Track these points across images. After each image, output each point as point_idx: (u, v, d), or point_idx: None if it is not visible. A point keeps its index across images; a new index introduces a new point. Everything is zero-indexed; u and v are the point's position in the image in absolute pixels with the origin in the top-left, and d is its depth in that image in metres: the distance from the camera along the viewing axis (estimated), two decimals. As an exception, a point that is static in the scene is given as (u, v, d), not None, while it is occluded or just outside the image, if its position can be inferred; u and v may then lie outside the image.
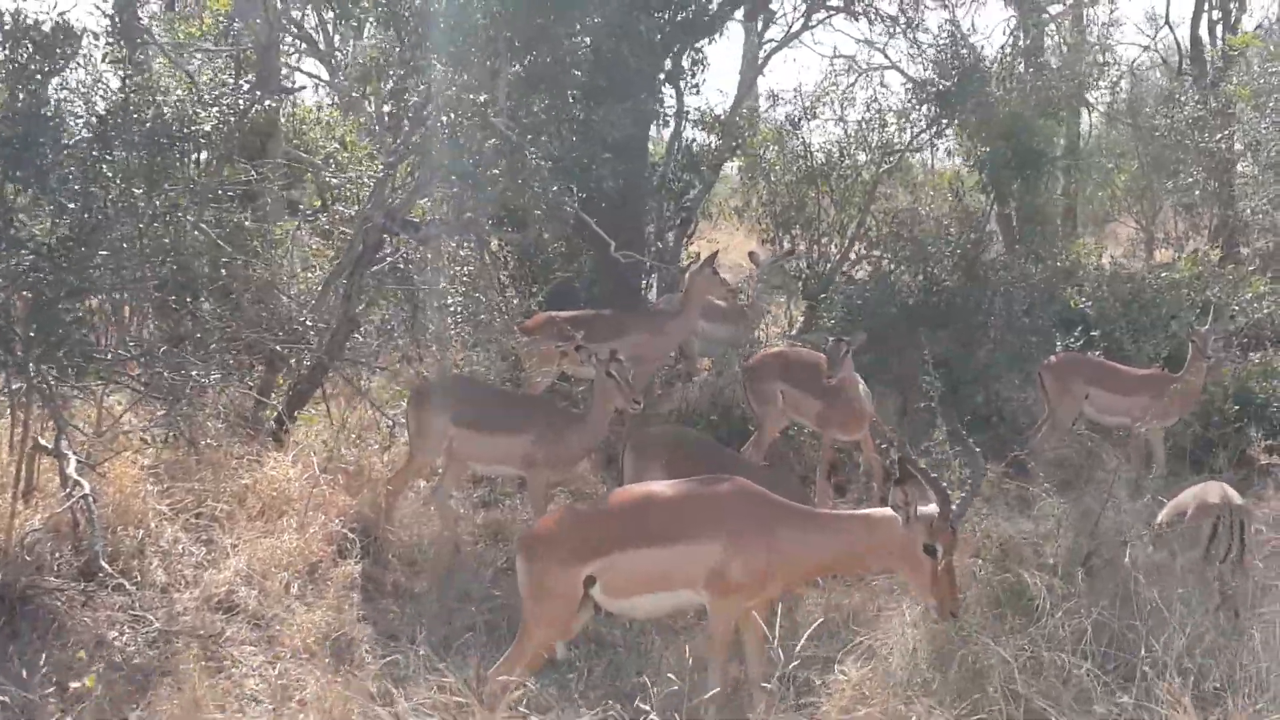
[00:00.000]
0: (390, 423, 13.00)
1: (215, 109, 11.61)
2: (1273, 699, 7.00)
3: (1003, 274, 15.04)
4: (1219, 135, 22.80)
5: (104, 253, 10.38)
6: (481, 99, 11.68)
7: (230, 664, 9.09)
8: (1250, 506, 9.93)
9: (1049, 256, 16.05)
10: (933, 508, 7.54)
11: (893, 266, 16.01)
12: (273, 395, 13.00)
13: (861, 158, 20.15)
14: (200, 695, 8.15)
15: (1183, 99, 24.40)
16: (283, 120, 17.96)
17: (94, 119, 10.52)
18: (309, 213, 16.66)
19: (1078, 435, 13.75)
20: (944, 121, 19.28)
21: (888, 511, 7.65)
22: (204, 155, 12.25)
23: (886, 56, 21.95)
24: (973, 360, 14.39)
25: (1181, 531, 9.56)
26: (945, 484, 7.70)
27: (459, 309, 14.90)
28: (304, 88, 19.36)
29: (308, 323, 12.57)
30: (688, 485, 8.11)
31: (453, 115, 11.58)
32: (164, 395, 11.62)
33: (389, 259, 13.42)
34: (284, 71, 19.59)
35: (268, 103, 13.13)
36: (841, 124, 20.79)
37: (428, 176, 11.90)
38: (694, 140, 19.72)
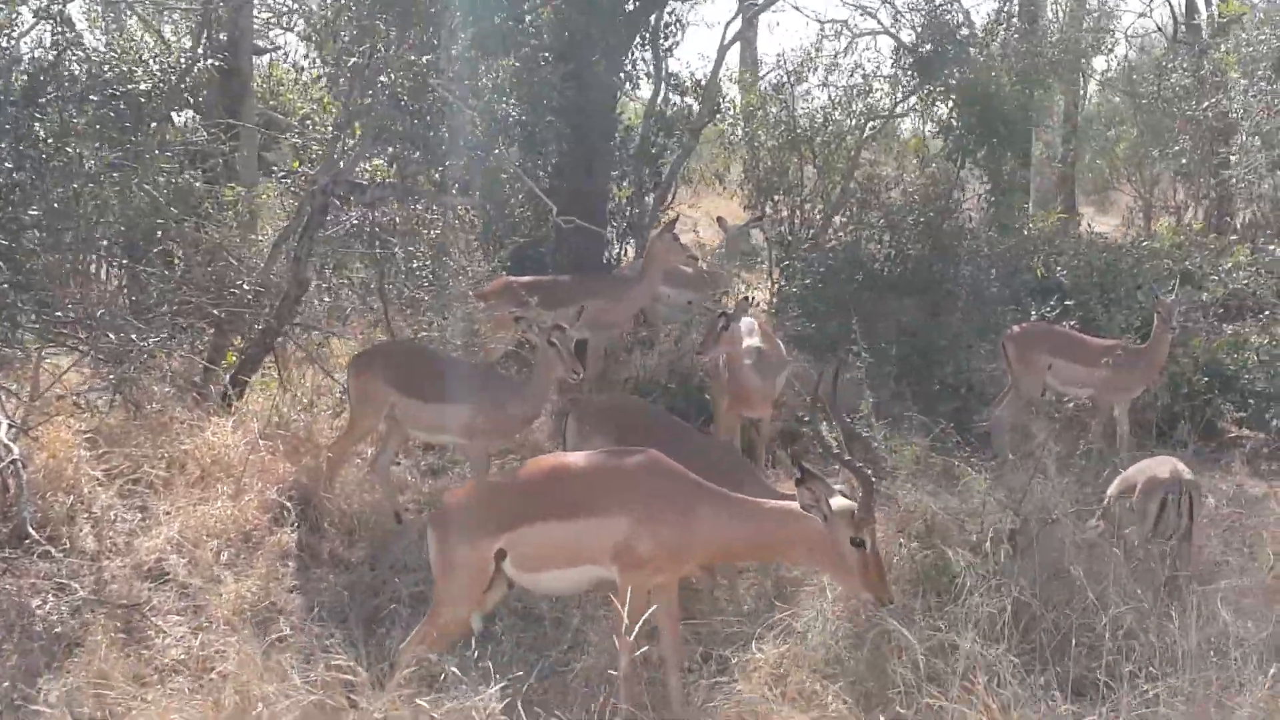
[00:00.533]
0: (342, 388, 12.81)
1: (157, 68, 11.40)
2: (1190, 681, 6.77)
3: (969, 242, 14.74)
4: (1205, 104, 22.48)
5: (34, 213, 10.21)
6: (424, 59, 11.47)
7: (154, 634, 8.92)
8: (1200, 481, 9.66)
9: (1015, 224, 15.70)
10: (842, 501, 7.33)
11: (854, 234, 15.70)
12: (224, 360, 12.79)
13: (846, 123, 19.83)
14: (109, 667, 7.94)
15: (1170, 67, 24.13)
16: (257, 81, 17.78)
17: (23, 77, 10.31)
18: (281, 174, 16.49)
19: (1045, 406, 13.52)
20: (928, 87, 19.00)
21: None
22: (158, 116, 12.07)
23: (879, 21, 21.56)
24: (940, 330, 14.14)
25: (1129, 507, 9.36)
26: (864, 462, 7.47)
27: (426, 272, 14.72)
28: (279, 48, 18.98)
29: (245, 286, 12.33)
30: (598, 457, 7.90)
31: (394, 76, 11.37)
32: (109, 358, 11.48)
33: (354, 222, 13.28)
34: (270, 30, 19.22)
35: (210, 62, 12.85)
36: (826, 89, 20.48)
37: (370, 139, 11.68)
38: (671, 104, 19.49)
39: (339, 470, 11.16)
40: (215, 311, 12.35)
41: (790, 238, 18.40)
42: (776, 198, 19.66)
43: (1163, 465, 9.46)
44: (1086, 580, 7.40)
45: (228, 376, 12.42)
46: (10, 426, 10.30)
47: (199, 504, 10.39)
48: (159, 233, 11.87)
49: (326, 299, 15.57)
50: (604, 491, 7.59)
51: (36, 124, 10.23)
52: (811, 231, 18.54)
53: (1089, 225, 19.47)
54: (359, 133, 12.05)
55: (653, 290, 14.38)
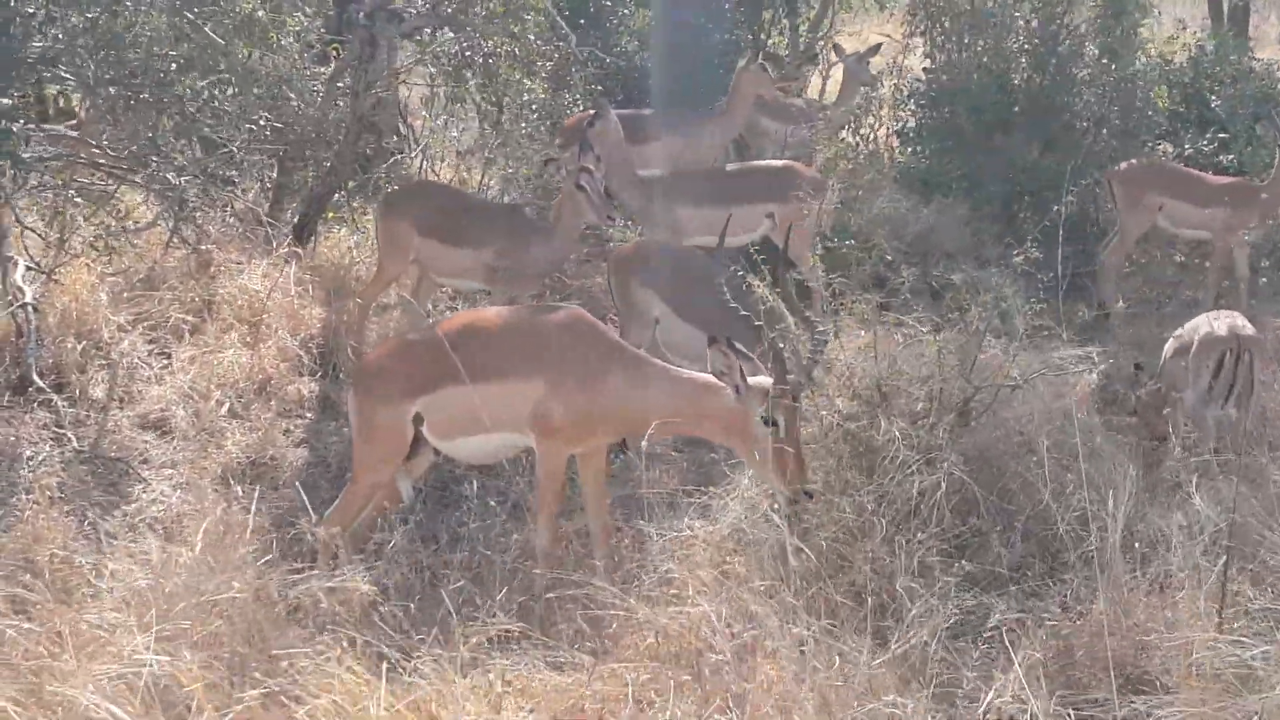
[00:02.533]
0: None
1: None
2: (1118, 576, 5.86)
3: (1087, 71, 13.40)
4: None
5: (38, 44, 9.78)
6: None
7: (142, 489, 8.59)
8: (1263, 339, 8.59)
9: (1126, 51, 14.21)
10: (764, 379, 6.58)
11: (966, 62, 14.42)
12: (288, 200, 12.34)
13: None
14: (43, 529, 7.51)
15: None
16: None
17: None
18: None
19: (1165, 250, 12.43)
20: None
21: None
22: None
23: None
24: (1053, 168, 12.95)
25: (1184, 367, 8.39)
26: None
27: (539, 106, 14.11)
28: None
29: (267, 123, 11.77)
30: (516, 315, 7.33)
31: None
32: (157, 196, 11.10)
33: (466, 53, 12.98)
34: None
35: None
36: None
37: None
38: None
39: (367, 317, 10.68)
40: (238, 152, 11.81)
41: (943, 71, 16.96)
42: (943, 23, 18.30)
43: (1221, 321, 8.46)
44: (1048, 458, 6.41)
45: (295, 219, 11.97)
46: (28, 268, 10.02)
47: (211, 353, 9.98)
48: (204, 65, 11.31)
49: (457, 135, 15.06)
50: (517, 354, 6.97)
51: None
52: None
53: (1250, 53, 17.49)
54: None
55: (735, 126, 13.41)
